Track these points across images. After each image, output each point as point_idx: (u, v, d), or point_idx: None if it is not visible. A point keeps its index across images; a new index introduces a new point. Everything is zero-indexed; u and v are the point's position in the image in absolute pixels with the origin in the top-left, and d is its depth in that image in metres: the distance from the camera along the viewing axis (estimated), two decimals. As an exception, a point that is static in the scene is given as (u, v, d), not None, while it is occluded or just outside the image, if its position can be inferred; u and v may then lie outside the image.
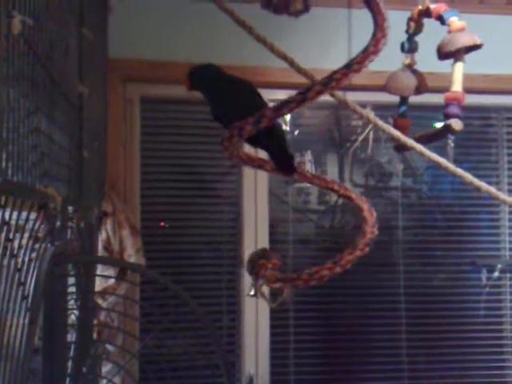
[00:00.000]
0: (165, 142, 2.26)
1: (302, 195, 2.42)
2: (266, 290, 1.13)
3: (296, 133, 2.42)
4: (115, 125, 2.08)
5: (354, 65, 1.00)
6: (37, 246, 1.00)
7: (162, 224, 2.28)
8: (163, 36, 2.14)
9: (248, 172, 2.25)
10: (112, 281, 1.86)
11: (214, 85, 1.16)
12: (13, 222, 0.85)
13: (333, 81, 1.02)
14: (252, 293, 1.10)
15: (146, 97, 2.21)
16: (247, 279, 2.22)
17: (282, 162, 1.17)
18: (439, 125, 1.33)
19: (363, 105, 2.07)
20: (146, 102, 2.22)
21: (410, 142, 1.29)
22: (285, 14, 1.11)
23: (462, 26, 1.32)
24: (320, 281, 1.04)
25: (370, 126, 2.40)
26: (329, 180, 1.22)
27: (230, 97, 1.15)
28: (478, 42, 1.29)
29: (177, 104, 2.23)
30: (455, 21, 1.33)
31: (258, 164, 1.22)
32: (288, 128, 2.40)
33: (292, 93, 2.32)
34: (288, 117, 2.41)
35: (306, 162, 2.43)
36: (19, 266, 0.90)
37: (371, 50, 0.98)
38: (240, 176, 2.27)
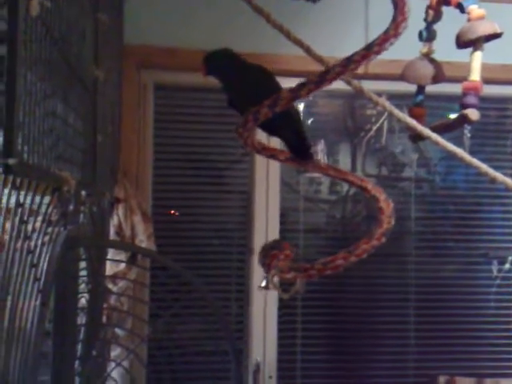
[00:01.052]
0: (178, 129, 2.25)
1: (314, 185, 2.41)
2: (277, 281, 1.12)
3: (309, 122, 2.40)
4: (129, 111, 2.08)
5: (375, 46, 0.98)
6: (50, 229, 1.01)
7: (172, 212, 2.29)
8: (178, 23, 2.12)
9: (260, 161, 2.24)
10: (123, 265, 1.87)
11: (230, 70, 1.14)
12: (27, 205, 0.86)
13: (352, 62, 1.00)
14: (263, 284, 1.09)
15: (160, 83, 2.20)
16: (257, 268, 2.22)
17: (298, 148, 1.15)
18: (454, 115, 1.32)
19: (378, 94, 2.04)
20: (160, 88, 2.21)
21: (426, 131, 1.27)
22: None
23: (481, 14, 1.31)
24: (334, 270, 1.03)
25: (385, 116, 2.38)
26: (344, 171, 1.20)
27: (246, 82, 1.13)
28: (498, 30, 1.28)
29: (191, 91, 2.23)
30: (475, 9, 1.31)
31: (271, 154, 1.20)
32: (302, 117, 2.39)
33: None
34: (301, 105, 2.39)
35: (319, 151, 2.42)
36: (32, 249, 0.91)
37: (391, 33, 0.96)
38: (252, 164, 2.26)
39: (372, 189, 1.12)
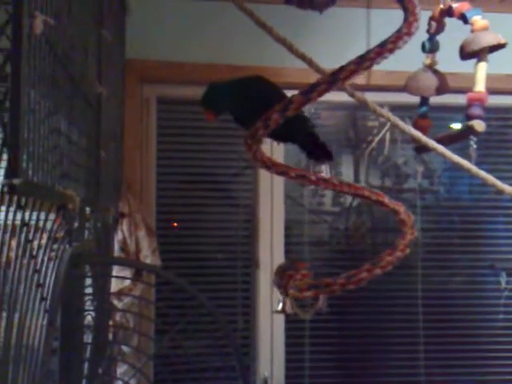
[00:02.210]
0: (181, 142, 2.25)
1: (317, 197, 2.40)
2: (293, 302, 1.08)
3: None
4: (132, 125, 2.08)
5: (389, 44, 0.96)
6: (55, 246, 1.00)
7: (175, 225, 2.28)
8: (180, 37, 2.13)
9: (264, 173, 2.23)
10: (128, 282, 1.85)
11: (229, 99, 1.12)
12: (32, 224, 0.85)
13: (366, 60, 0.98)
14: (279, 308, 1.05)
15: (162, 97, 2.20)
16: (262, 282, 2.21)
17: (317, 151, 1.12)
18: (456, 126, 1.31)
19: (380, 105, 2.04)
20: (163, 102, 2.21)
21: (432, 143, 1.26)
22: (309, 8, 1.07)
23: (485, 25, 1.30)
24: (358, 284, 1.00)
25: (387, 127, 2.38)
26: (359, 186, 1.16)
27: (249, 98, 1.11)
28: (502, 41, 1.27)
29: (193, 105, 2.21)
30: (478, 20, 1.30)
31: (282, 170, 1.13)
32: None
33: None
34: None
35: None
36: (38, 267, 0.90)
37: (405, 32, 0.95)
38: (256, 177, 2.26)
39: (389, 203, 1.09)
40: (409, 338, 2.30)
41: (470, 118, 1.32)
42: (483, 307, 2.35)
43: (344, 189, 1.13)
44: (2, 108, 0.74)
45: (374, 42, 2.18)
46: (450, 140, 1.40)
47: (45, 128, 0.87)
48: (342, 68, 0.99)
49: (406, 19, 0.95)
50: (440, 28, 1.47)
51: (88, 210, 1.32)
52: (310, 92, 0.98)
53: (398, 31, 0.95)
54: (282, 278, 1.05)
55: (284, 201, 2.28)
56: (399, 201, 2.52)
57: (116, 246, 1.90)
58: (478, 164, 1.33)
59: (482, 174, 1.28)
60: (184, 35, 2.13)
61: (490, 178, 1.28)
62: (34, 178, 0.79)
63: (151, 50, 2.10)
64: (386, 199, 1.09)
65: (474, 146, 1.69)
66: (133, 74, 2.07)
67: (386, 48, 0.96)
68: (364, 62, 0.97)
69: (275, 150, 2.24)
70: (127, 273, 1.86)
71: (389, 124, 2.32)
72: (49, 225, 0.95)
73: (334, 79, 0.98)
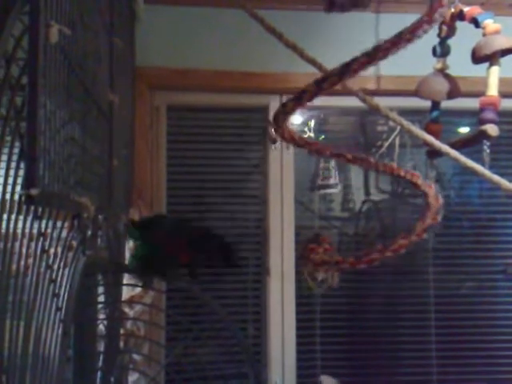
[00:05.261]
0: (191, 149, 2.25)
1: (326, 202, 2.40)
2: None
3: (321, 139, 2.40)
4: (142, 133, 2.08)
5: (406, 34, 0.95)
6: (70, 255, 1.00)
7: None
8: (189, 44, 2.13)
9: (274, 179, 2.23)
10: (139, 289, 1.85)
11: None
12: (48, 233, 0.85)
13: (380, 51, 0.97)
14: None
15: (172, 105, 2.21)
16: (273, 289, 2.20)
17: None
18: (464, 130, 1.31)
19: (390, 110, 2.04)
20: (173, 109, 2.22)
21: (445, 147, 1.26)
22: (352, 9, 1.05)
23: (497, 28, 1.30)
24: (368, 264, 1.00)
25: (396, 132, 2.37)
26: (394, 167, 1.18)
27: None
28: (515, 45, 1.26)
29: (204, 112, 2.23)
30: (490, 23, 1.30)
31: (316, 148, 1.16)
32: (312, 134, 2.39)
33: (318, 98, 2.29)
34: (312, 122, 2.39)
35: (330, 168, 2.41)
36: (53, 277, 0.90)
37: (425, 19, 0.93)
38: (266, 184, 2.25)
39: (422, 184, 1.09)
40: (421, 345, 2.28)
41: (482, 122, 1.31)
42: (495, 313, 2.33)
43: (380, 167, 1.15)
44: (18, 118, 0.74)
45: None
46: (462, 144, 1.40)
47: (60, 137, 0.87)
48: (353, 59, 0.99)
49: (430, 5, 0.92)
50: (451, 32, 1.47)
51: (101, 217, 1.32)
52: (322, 82, 0.99)
53: (419, 20, 0.93)
54: (305, 249, 1.05)
55: (294, 207, 2.27)
56: (408, 206, 2.50)
57: (127, 254, 1.90)
58: (489, 168, 1.32)
59: (496, 178, 1.28)
60: (193, 42, 2.14)
61: (504, 183, 1.27)
62: (50, 187, 0.79)
63: (161, 58, 2.10)
64: (420, 180, 1.10)
65: (487, 151, 1.68)
66: (143, 82, 2.08)
67: (403, 37, 0.94)
68: (377, 53, 0.96)
69: (285, 156, 2.24)
70: (138, 281, 1.85)
71: (398, 129, 2.31)
72: (63, 234, 0.95)
73: (345, 70, 0.98)
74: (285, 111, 1.01)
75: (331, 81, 0.98)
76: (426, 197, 1.07)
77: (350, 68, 0.97)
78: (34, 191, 0.70)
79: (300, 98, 0.99)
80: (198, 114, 2.23)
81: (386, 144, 2.41)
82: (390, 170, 1.14)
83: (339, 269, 1.02)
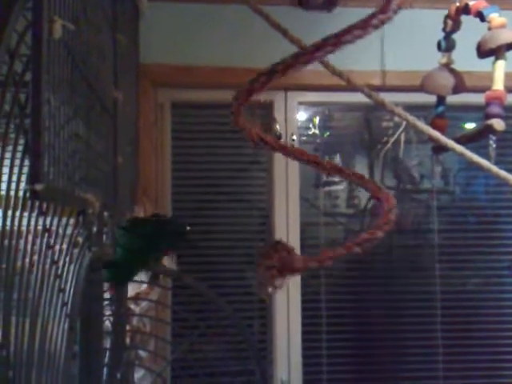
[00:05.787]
0: (196, 146, 2.25)
1: (331, 199, 2.39)
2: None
3: (326, 135, 2.39)
4: (146, 130, 2.08)
5: (358, 27, 0.94)
6: (75, 251, 1.00)
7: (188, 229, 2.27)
8: (193, 40, 2.13)
9: (279, 176, 2.23)
10: (145, 285, 1.85)
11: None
12: (53, 229, 0.85)
13: (327, 44, 0.97)
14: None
15: (177, 102, 2.21)
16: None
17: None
18: (470, 126, 1.30)
19: (395, 106, 2.03)
20: (177, 106, 2.22)
21: (451, 143, 1.25)
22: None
23: (502, 22, 1.29)
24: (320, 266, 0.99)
25: (402, 128, 2.36)
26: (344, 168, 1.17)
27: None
28: (521, 38, 1.25)
29: (208, 108, 2.23)
30: (496, 17, 1.29)
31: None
32: (317, 131, 2.38)
33: (323, 94, 2.28)
34: (317, 119, 2.39)
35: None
36: (59, 273, 0.90)
37: (378, 13, 0.92)
38: (271, 180, 2.25)
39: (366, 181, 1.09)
40: (427, 341, 2.28)
41: (488, 116, 1.30)
42: (501, 309, 2.32)
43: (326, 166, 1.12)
44: (23, 114, 0.74)
45: (388, 42, 2.17)
46: (468, 139, 1.39)
47: (64, 133, 0.87)
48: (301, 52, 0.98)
49: None
50: (456, 26, 1.46)
51: (106, 214, 1.32)
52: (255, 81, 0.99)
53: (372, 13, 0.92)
54: (260, 256, 1.04)
55: (299, 204, 2.27)
56: (415, 202, 2.50)
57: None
58: (496, 163, 1.31)
59: (503, 173, 1.27)
60: (197, 39, 2.13)
61: (511, 178, 1.26)
62: (55, 183, 0.79)
63: (165, 55, 2.10)
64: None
65: (494, 146, 1.67)
66: (147, 79, 2.08)
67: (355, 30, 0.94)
68: (354, 29, 0.95)
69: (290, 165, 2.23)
70: (143, 277, 1.86)
71: (404, 124, 2.31)
72: (69, 230, 0.95)
73: (274, 71, 0.98)
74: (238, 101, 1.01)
75: (262, 81, 0.98)
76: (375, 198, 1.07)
77: (276, 69, 0.98)
78: (38, 186, 0.70)
79: (271, 74, 0.99)
80: (203, 110, 2.23)
81: (392, 140, 2.40)
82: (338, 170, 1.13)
83: (295, 273, 1.02)
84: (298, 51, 1.01)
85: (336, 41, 0.98)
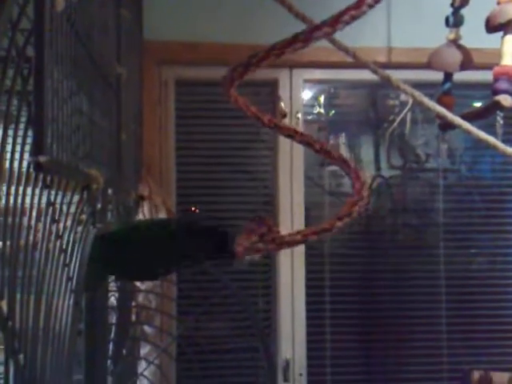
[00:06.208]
0: (200, 124, 2.24)
1: (336, 178, 2.38)
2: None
3: (331, 114, 2.38)
4: (150, 108, 2.07)
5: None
6: (80, 227, 1.00)
7: (194, 209, 2.27)
8: (198, 17, 2.11)
9: (283, 155, 2.22)
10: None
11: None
12: (58, 204, 0.85)
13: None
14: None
15: (181, 79, 2.19)
16: (283, 264, 2.21)
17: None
18: (478, 104, 1.28)
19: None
20: (181, 84, 2.20)
21: (458, 119, 1.24)
22: None
23: (512, -4, 1.26)
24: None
25: (409, 106, 2.34)
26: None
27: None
28: (531, 13, 1.23)
29: (212, 86, 2.20)
30: (505, -9, 1.27)
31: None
32: (322, 109, 2.36)
33: (329, 71, 2.25)
34: (322, 98, 2.37)
35: (341, 144, 2.39)
36: (64, 247, 0.90)
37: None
38: (275, 159, 2.24)
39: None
40: (431, 319, 2.29)
41: (496, 92, 1.29)
42: (507, 287, 2.32)
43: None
44: (25, 87, 0.73)
45: (395, 19, 2.14)
46: (475, 116, 1.38)
47: (68, 108, 0.86)
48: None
49: None
50: (464, 1, 1.43)
51: (110, 191, 1.32)
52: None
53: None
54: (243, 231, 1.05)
55: (304, 183, 2.26)
56: (421, 181, 2.49)
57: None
58: (503, 141, 1.30)
59: (510, 150, 1.25)
60: (202, 15, 2.11)
61: (518, 155, 1.25)
62: (59, 157, 0.79)
63: (169, 32, 2.08)
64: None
65: (501, 122, 1.64)
66: (150, 56, 2.06)
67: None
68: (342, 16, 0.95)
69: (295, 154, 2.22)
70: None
71: (410, 103, 2.28)
72: (73, 206, 0.95)
73: (250, 62, 0.99)
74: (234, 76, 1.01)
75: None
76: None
77: (252, 61, 0.97)
78: (42, 158, 0.69)
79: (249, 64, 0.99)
80: (207, 88, 2.21)
81: (398, 119, 2.38)
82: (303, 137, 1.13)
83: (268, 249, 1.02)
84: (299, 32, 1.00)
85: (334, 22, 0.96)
